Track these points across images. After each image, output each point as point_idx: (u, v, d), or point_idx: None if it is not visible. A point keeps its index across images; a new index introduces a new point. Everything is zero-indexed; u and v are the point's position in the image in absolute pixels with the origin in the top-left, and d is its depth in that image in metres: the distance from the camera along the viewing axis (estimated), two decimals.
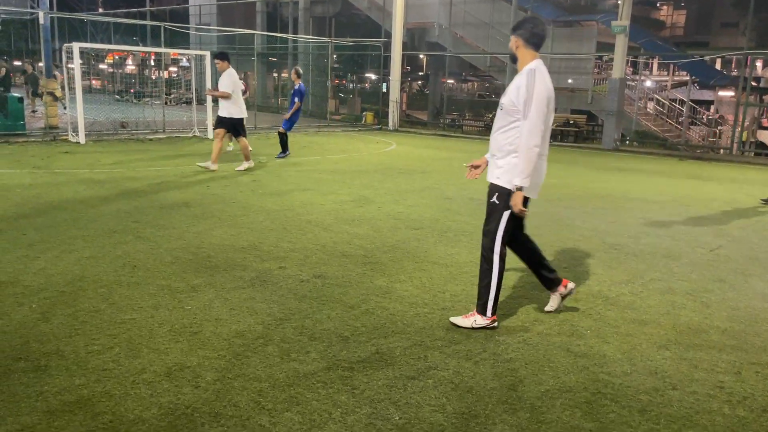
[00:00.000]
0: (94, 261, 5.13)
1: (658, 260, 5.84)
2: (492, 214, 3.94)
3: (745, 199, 9.82)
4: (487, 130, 24.09)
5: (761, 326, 4.23)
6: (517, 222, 4.01)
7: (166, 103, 21.38)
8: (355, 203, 8.04)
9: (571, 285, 4.26)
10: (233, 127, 10.29)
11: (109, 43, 27.86)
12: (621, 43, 18.26)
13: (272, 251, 5.62)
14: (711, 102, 24.50)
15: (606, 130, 19.13)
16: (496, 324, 3.97)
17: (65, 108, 15.71)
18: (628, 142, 20.41)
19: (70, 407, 2.87)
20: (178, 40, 28.25)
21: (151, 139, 15.07)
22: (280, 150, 12.82)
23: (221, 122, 10.24)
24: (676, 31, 37.58)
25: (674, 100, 24.08)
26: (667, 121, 23.00)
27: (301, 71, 13.05)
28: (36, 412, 2.82)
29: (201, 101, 19.53)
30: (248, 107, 12.63)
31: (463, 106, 32.36)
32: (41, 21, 15.20)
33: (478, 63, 25.66)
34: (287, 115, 12.74)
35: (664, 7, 38.51)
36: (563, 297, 4.28)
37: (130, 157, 7.72)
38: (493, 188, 3.92)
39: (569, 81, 22.54)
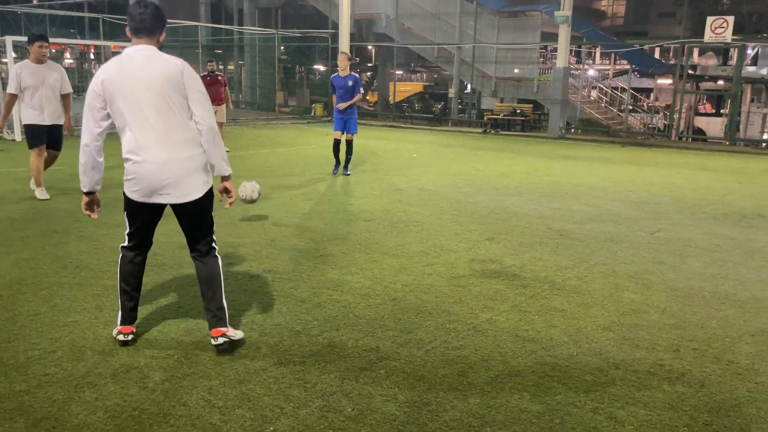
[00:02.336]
0: (34, 262, 4.96)
1: (601, 244, 6.01)
2: None
3: (682, 183, 10.19)
4: (436, 121, 24.28)
5: (698, 305, 4.41)
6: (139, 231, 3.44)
7: None
8: (305, 196, 7.99)
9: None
10: None
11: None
12: (564, 33, 18.63)
13: (220, 247, 5.50)
14: (650, 90, 25.26)
15: (551, 119, 19.53)
16: (120, 335, 3.48)
17: None
18: (573, 129, 20.88)
19: (10, 414, 2.77)
20: (119, 32, 27.35)
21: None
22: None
23: None
24: (617, 21, 38.61)
25: (616, 89, 24.75)
26: (609, 109, 23.63)
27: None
28: None
29: None
30: None
31: (412, 97, 32.46)
32: None
33: (425, 54, 25.78)
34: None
35: None
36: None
37: (71, 153, 7.47)
38: None
39: (515, 71, 22.89)
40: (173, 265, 4.99)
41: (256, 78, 28.19)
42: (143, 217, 3.37)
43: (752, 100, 21.65)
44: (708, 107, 22.88)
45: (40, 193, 7.41)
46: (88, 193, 3.39)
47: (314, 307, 4.17)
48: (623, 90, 23.40)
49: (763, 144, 18.75)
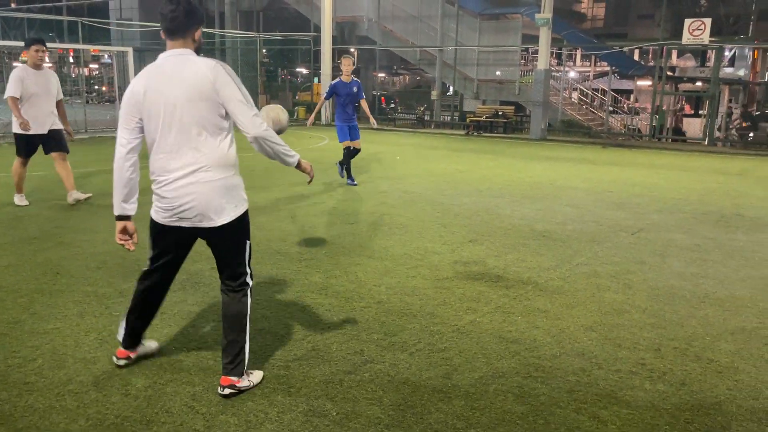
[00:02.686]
0: (13, 269, 4.89)
1: (583, 245, 6.06)
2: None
3: (663, 183, 10.31)
4: (419, 123, 24.33)
5: (678, 304, 4.46)
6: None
7: (87, 101, 20.54)
8: (288, 200, 7.97)
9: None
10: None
11: (23, 39, 26.46)
12: (545, 36, 18.77)
13: (204, 251, 5.45)
14: (630, 91, 25.55)
15: (533, 120, 19.66)
16: (114, 358, 3.26)
17: None
18: (554, 131, 21.04)
19: None
20: (98, 35, 27.15)
21: (72, 140, 14.44)
22: None
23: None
24: (597, 23, 38.96)
25: (596, 90, 25.00)
26: (590, 110, 23.85)
27: None
28: None
29: None
30: None
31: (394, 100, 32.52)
32: None
33: (408, 57, 25.85)
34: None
35: (585, 0, 39.83)
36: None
37: (50, 158, 7.39)
38: None
39: (497, 73, 23.02)
40: None
41: None
42: (167, 241, 3.06)
43: (730, 101, 21.94)
44: (687, 108, 23.18)
45: (19, 200, 7.31)
46: (119, 218, 3.02)
47: (298, 311, 4.16)
48: (604, 92, 23.64)
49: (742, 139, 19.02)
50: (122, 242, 3.07)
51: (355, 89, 9.24)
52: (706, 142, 18.35)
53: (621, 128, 22.71)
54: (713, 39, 18.24)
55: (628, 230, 6.75)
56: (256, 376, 3.16)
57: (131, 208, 3.02)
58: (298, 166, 3.16)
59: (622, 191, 9.40)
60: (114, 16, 32.91)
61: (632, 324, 4.06)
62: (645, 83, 23.70)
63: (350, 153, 9.49)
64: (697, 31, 17.40)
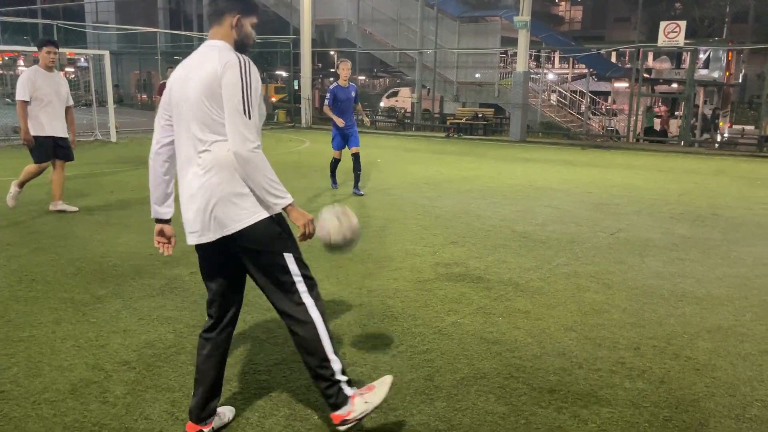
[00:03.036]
0: None
1: (563, 246, 6.11)
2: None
3: (641, 184, 10.43)
4: (400, 125, 24.35)
5: (657, 303, 4.51)
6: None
7: None
8: None
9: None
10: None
11: None
12: (523, 38, 18.92)
13: (182, 256, 5.45)
14: (608, 93, 25.84)
15: (513, 122, 19.79)
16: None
17: None
18: (534, 133, 21.19)
19: None
20: (74, 39, 26.84)
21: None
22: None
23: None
24: (575, 26, 39.41)
25: (575, 92, 25.24)
26: (569, 112, 24.07)
27: None
28: None
29: (102, 103, 18.66)
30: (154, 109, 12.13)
31: (375, 102, 32.53)
32: None
33: (387, 59, 25.89)
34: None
35: (563, 3, 40.25)
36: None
37: (26, 163, 7.27)
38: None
39: (477, 75, 23.15)
40: (133, 274, 4.89)
41: None
42: (206, 268, 2.67)
43: (705, 102, 22.27)
44: (663, 110, 23.50)
45: (13, 198, 6.95)
46: (156, 220, 2.74)
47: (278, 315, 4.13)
48: (582, 93, 23.88)
49: (716, 144, 19.34)
50: (158, 245, 2.78)
51: (353, 94, 9.15)
52: (682, 143, 18.61)
53: (599, 129, 22.95)
54: (688, 41, 18.53)
55: (607, 231, 6.82)
56: (375, 392, 2.64)
57: (165, 212, 2.71)
58: (288, 212, 2.53)
59: (601, 192, 9.49)
60: (90, 19, 32.56)
61: (612, 323, 4.10)
62: (622, 85, 24.00)
63: (336, 164, 9.26)
64: (672, 33, 17.66)
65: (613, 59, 29.11)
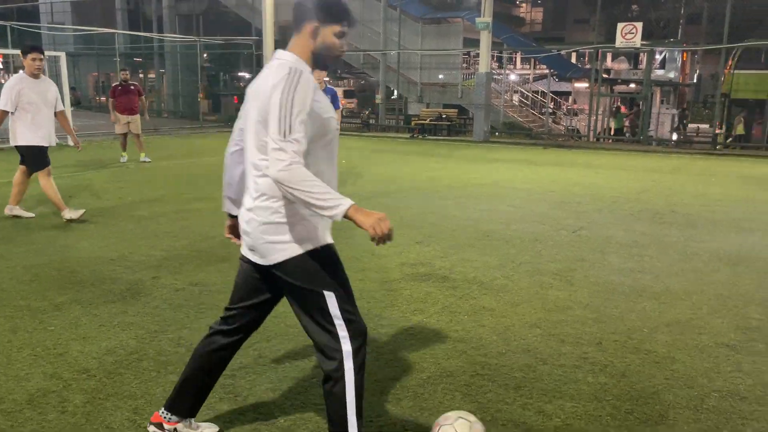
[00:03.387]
0: None
1: (527, 244, 6.19)
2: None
3: (602, 182, 10.64)
4: (365, 127, 24.35)
5: (618, 299, 4.60)
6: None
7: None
8: None
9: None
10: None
11: None
12: (485, 39, 19.11)
13: (144, 261, 5.35)
14: (569, 93, 26.30)
15: (476, 123, 19.96)
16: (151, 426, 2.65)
17: None
18: (497, 133, 21.43)
19: None
20: (29, 40, 26.11)
21: (2, 149, 13.83)
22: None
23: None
24: (535, 27, 40.02)
25: (537, 92, 25.62)
26: (531, 112, 24.41)
27: None
28: None
29: None
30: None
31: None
32: None
33: (351, 60, 25.86)
34: None
35: (523, 5, 40.82)
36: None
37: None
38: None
39: (440, 76, 23.30)
40: (93, 280, 4.78)
41: (179, 86, 27.47)
42: (241, 276, 2.60)
43: (662, 102, 22.83)
44: (623, 109, 24.02)
45: (74, 211, 6.82)
46: (229, 216, 2.70)
47: None
48: (543, 94, 24.25)
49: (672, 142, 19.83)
50: (228, 236, 2.76)
51: (329, 97, 8.95)
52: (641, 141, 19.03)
53: (561, 129, 23.34)
54: (645, 42, 18.98)
55: (569, 228, 6.93)
56: None
57: (235, 210, 2.62)
58: (350, 217, 2.23)
59: (563, 191, 9.64)
60: (45, 19, 31.73)
61: (575, 320, 4.17)
62: (582, 85, 24.44)
63: None
64: (629, 34, 18.05)
65: (573, 60, 29.65)
